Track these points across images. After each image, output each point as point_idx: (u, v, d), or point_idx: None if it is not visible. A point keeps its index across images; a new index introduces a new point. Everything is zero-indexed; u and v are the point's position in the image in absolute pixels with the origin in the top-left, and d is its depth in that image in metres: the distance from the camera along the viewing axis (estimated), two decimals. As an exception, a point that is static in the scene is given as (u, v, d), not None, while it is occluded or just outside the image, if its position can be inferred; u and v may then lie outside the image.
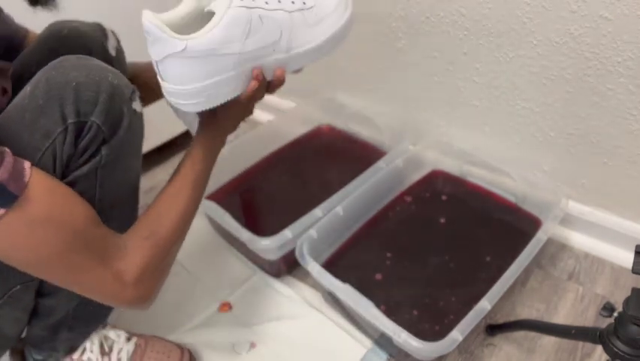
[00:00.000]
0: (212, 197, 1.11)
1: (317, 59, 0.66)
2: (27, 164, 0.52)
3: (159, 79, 0.60)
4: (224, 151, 0.72)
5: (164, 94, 0.62)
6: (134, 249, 0.60)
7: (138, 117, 0.62)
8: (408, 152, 1.11)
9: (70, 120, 0.55)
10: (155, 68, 0.59)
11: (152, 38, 0.55)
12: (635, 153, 0.90)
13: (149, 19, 0.54)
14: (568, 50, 0.87)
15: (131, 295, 0.60)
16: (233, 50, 0.58)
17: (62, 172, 0.58)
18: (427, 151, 1.14)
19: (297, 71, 0.68)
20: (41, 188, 0.53)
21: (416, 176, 1.15)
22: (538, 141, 1.01)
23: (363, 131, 1.27)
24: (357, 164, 1.11)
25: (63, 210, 0.55)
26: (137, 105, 0.61)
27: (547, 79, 0.93)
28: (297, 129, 1.32)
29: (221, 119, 0.67)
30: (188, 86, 0.59)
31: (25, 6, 0.64)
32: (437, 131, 1.17)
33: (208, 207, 1.01)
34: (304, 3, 0.63)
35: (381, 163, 1.07)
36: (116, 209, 0.65)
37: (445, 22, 1.00)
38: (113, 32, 0.79)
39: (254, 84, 0.62)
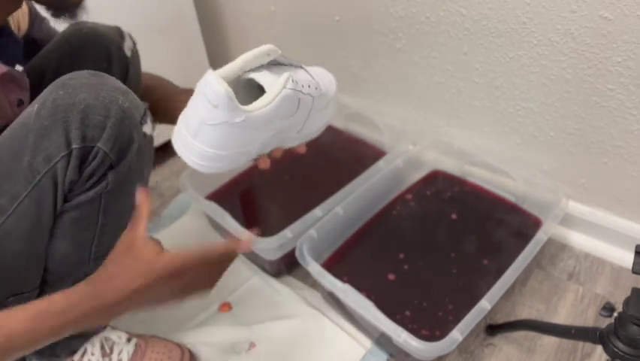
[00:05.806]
0: (212, 197, 1.11)
1: (308, 139, 0.69)
2: None
3: (187, 134, 0.54)
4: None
5: (182, 147, 0.55)
6: None
7: (148, 140, 0.59)
8: (408, 152, 1.11)
9: (74, 145, 0.53)
10: (192, 124, 0.53)
11: (217, 103, 0.50)
12: (635, 153, 0.90)
13: (220, 82, 0.49)
14: (568, 50, 0.87)
15: None
16: (274, 127, 0.57)
17: (64, 196, 0.56)
18: (427, 151, 1.14)
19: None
20: None
21: (416, 176, 1.15)
22: (538, 141, 1.01)
23: (363, 131, 1.27)
24: (357, 164, 1.11)
25: None
26: (147, 128, 0.58)
27: (547, 79, 0.93)
28: (297, 129, 1.32)
29: (130, 274, 0.52)
30: (220, 152, 0.54)
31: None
32: (437, 131, 1.17)
33: (208, 207, 1.01)
34: (320, 89, 0.64)
35: (381, 163, 1.07)
36: (119, 232, 0.63)
37: (445, 22, 1.00)
38: (130, 35, 0.79)
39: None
